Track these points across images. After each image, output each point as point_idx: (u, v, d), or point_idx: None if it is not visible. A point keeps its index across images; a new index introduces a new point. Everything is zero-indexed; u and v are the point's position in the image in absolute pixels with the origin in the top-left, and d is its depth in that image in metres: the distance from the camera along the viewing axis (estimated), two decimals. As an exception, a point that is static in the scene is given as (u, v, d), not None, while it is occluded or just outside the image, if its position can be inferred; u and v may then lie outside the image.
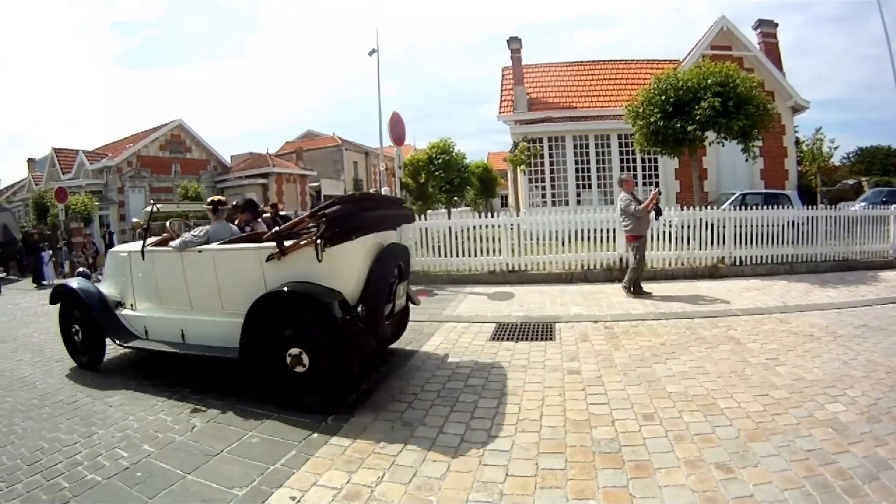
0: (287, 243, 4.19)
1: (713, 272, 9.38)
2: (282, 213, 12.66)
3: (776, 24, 16.58)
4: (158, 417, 4.06)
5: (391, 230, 5.02)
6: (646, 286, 7.89)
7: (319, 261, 3.97)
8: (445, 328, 6.14)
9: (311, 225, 4.28)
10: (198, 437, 3.62)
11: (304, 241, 4.15)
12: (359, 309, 4.18)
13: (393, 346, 5.53)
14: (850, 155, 42.70)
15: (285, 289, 4.04)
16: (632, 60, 18.62)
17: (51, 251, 16.23)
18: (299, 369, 4.01)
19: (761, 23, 16.47)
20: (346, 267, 4.22)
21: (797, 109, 16.19)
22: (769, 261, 9.64)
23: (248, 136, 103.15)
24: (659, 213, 8.23)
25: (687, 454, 3.13)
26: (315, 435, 3.51)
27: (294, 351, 4.01)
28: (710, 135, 10.28)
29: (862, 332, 5.99)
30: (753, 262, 9.59)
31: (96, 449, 3.55)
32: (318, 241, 3.94)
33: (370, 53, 10.77)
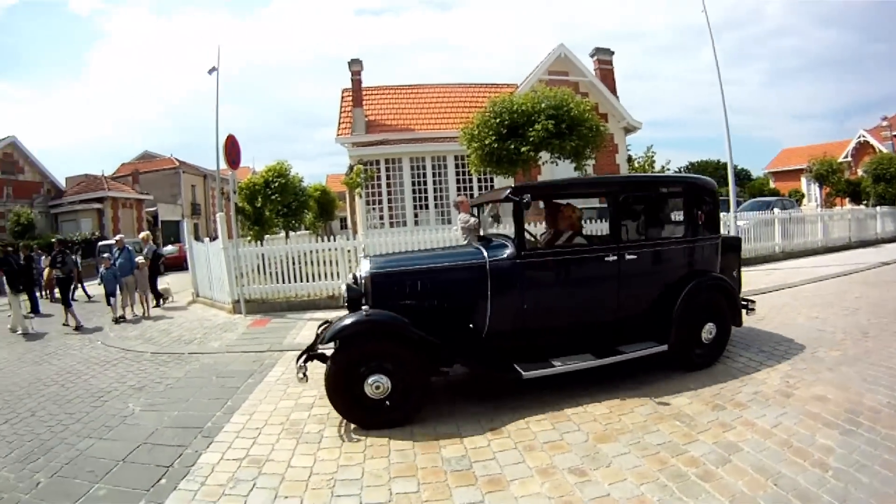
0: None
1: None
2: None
3: (612, 52, 17.31)
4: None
5: None
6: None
7: None
8: (287, 358, 5.68)
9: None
10: (43, 495, 3.18)
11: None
12: None
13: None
14: (682, 169, 49.15)
15: None
16: (470, 84, 18.61)
17: None
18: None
19: (598, 51, 17.13)
20: None
21: (630, 129, 17.06)
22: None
23: (80, 155, 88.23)
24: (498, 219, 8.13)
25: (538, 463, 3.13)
26: (163, 481, 3.17)
27: None
28: (545, 154, 10.48)
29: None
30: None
31: None
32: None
33: (210, 72, 9.70)
